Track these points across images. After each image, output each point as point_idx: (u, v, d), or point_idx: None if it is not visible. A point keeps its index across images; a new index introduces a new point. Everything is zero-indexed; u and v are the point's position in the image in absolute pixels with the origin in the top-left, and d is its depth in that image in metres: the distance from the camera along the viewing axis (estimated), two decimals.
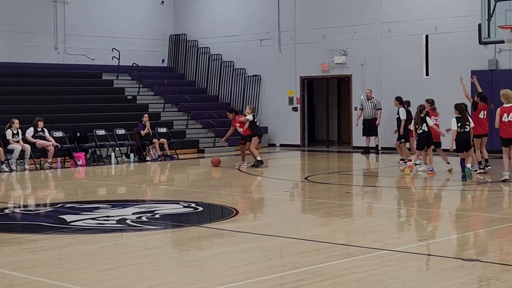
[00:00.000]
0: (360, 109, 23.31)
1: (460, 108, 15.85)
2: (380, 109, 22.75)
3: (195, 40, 28.68)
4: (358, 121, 23.33)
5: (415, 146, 17.30)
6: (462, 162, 15.68)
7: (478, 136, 16.41)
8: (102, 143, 21.20)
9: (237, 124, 18.97)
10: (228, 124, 25.97)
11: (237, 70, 27.62)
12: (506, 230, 10.07)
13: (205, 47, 28.42)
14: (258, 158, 18.62)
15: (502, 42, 18.73)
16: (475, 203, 13.26)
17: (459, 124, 15.62)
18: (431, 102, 17.71)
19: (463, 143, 15.65)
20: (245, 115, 19.28)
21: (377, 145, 22.92)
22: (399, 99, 19.49)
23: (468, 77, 21.71)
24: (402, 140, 18.53)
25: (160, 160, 21.48)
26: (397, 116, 18.89)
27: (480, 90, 17.42)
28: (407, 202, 13.43)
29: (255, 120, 19.23)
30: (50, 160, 19.60)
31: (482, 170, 16.49)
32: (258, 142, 19.20)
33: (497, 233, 9.92)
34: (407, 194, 14.71)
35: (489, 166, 16.58)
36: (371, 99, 22.91)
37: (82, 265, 8.09)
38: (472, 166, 15.82)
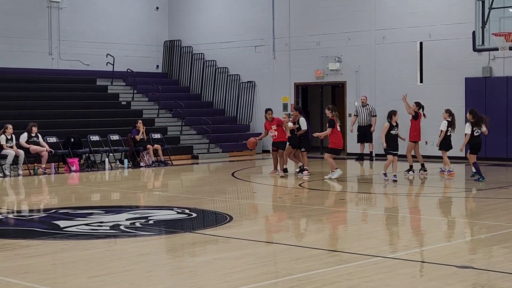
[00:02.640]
0: (354, 115, 23.35)
1: (474, 112, 16.56)
2: (376, 115, 22.77)
3: (190, 46, 28.69)
4: (352, 128, 23.36)
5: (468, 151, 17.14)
6: (476, 165, 16.45)
7: (415, 142, 18.15)
8: (96, 148, 21.18)
9: (274, 127, 18.20)
10: (220, 130, 26.12)
11: (231, 76, 27.63)
12: (500, 237, 10.08)
13: (199, 53, 28.44)
14: (285, 166, 18.31)
15: (496, 49, 18.80)
16: (469, 210, 13.27)
17: (474, 129, 16.34)
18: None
19: (479, 146, 16.49)
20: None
21: (371, 152, 22.95)
22: (298, 109, 18.96)
23: (462, 84, 21.89)
24: (303, 149, 18.36)
25: (154, 166, 21.46)
26: (298, 125, 18.35)
27: (409, 108, 18.71)
28: (401, 209, 13.43)
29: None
30: (43, 166, 19.56)
31: (424, 172, 17.99)
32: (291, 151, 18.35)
33: (490, 240, 9.93)
34: (401, 200, 14.72)
35: (426, 171, 18.02)
36: (366, 105, 22.94)
37: (76, 271, 8.07)
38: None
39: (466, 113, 20.27)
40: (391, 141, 16.70)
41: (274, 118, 18.36)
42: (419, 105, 18.56)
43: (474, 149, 16.49)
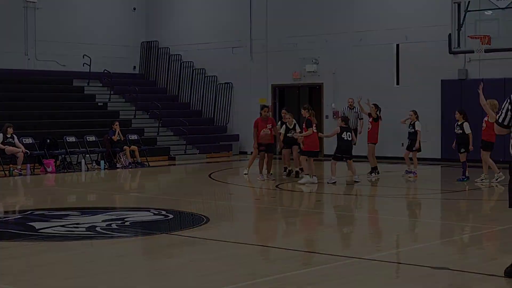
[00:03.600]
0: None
1: (464, 112, 17.00)
2: (362, 118, 22.62)
3: (167, 47, 28.62)
4: None
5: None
6: (465, 164, 16.86)
7: (375, 144, 18.14)
8: (72, 150, 21.07)
9: (269, 126, 17.33)
10: (197, 131, 26.06)
11: (208, 77, 27.60)
12: (476, 238, 10.15)
13: (176, 55, 28.38)
14: (297, 169, 18.09)
15: (472, 52, 18.95)
16: (445, 211, 13.34)
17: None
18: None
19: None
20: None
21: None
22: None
23: (438, 86, 22.04)
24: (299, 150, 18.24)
25: (131, 167, 21.39)
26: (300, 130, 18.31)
27: (363, 110, 19.26)
28: (377, 210, 13.48)
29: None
30: (19, 167, 19.41)
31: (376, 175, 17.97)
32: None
33: (466, 241, 10.00)
34: (378, 202, 14.77)
35: (378, 174, 18.06)
36: (353, 108, 22.83)
37: (51, 273, 8.02)
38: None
39: (441, 115, 20.48)
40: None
41: (269, 118, 17.67)
42: (377, 107, 18.53)
43: (467, 147, 16.75)
